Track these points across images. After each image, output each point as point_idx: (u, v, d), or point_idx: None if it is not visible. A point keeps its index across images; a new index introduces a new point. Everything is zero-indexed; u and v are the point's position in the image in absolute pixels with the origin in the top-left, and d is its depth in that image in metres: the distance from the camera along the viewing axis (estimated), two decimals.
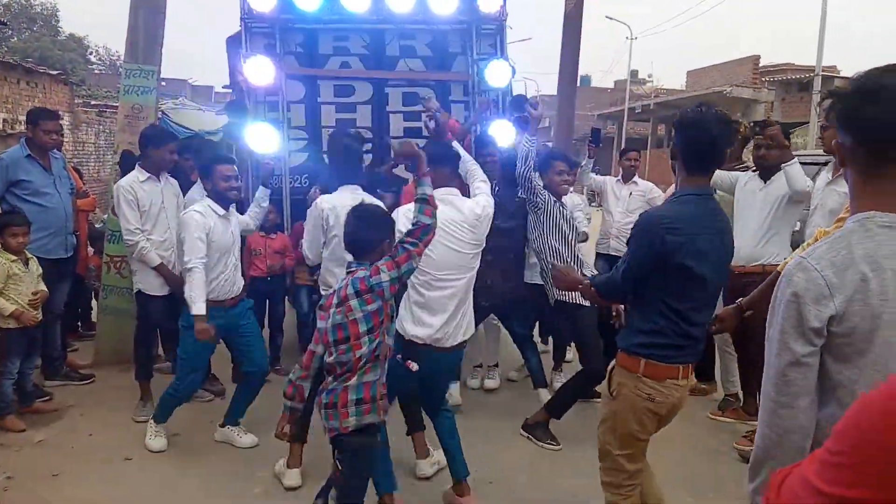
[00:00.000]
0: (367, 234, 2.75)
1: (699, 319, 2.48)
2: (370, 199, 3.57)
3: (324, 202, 3.73)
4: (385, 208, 3.23)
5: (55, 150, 4.95)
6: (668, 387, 2.46)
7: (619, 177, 6.22)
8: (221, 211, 4.02)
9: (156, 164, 4.63)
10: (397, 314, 3.60)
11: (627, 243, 2.58)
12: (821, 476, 0.91)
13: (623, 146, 28.11)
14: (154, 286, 4.56)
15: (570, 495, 3.72)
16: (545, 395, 4.76)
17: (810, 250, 1.51)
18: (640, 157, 6.56)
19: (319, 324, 2.75)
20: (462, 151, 3.78)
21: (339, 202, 3.62)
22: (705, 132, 2.38)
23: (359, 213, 2.81)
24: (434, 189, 2.94)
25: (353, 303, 2.61)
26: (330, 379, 2.72)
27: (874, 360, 1.43)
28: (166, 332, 4.98)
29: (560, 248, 4.34)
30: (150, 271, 4.54)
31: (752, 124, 4.89)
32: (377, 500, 3.30)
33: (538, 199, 4.36)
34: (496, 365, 5.47)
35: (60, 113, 14.41)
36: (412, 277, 3.16)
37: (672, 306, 2.41)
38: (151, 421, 4.22)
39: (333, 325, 2.64)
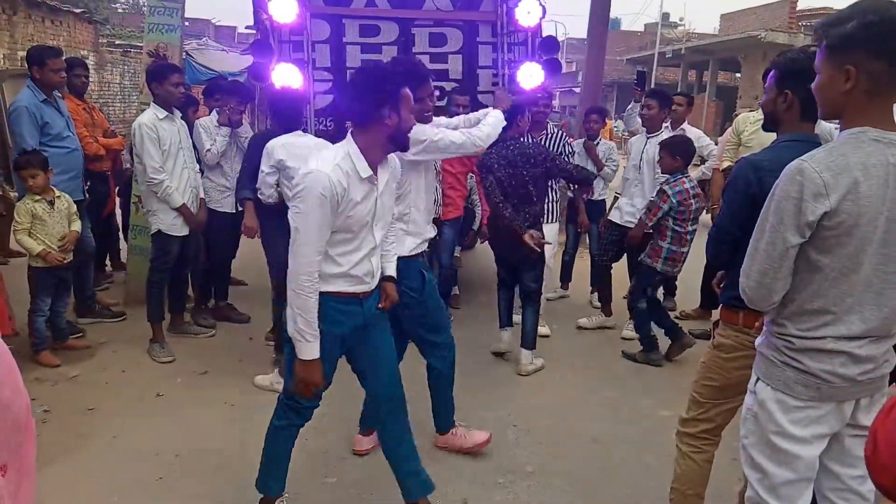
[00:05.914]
0: None
1: None
2: None
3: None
4: None
5: (57, 91, 4.92)
6: None
7: (668, 124, 5.98)
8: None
9: (165, 100, 4.54)
10: None
11: (722, 195, 2.48)
12: None
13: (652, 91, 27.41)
14: (176, 227, 4.59)
15: (590, 440, 3.77)
16: (527, 356, 4.62)
17: (808, 156, 1.76)
18: (684, 104, 5.96)
19: None
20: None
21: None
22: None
23: None
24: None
25: None
26: None
27: (850, 252, 1.76)
28: (195, 275, 5.03)
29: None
30: (172, 211, 4.55)
31: None
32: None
33: None
34: None
35: (85, 53, 14.43)
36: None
37: None
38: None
39: None
